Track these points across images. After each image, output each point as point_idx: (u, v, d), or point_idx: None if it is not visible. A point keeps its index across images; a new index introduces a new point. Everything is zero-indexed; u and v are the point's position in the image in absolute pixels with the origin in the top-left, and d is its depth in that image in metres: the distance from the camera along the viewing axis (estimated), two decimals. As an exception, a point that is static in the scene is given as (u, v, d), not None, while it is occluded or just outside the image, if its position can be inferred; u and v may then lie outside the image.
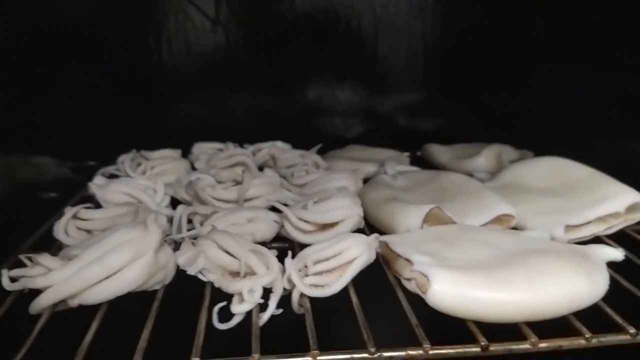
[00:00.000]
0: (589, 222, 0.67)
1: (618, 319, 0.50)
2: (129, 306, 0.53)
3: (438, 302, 0.49)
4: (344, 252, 0.57)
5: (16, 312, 0.53)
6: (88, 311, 0.52)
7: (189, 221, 0.67)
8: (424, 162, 1.03)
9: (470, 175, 0.90)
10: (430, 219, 0.66)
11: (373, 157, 0.99)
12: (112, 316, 0.53)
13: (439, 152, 1.00)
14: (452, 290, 0.49)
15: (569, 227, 0.66)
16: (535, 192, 0.74)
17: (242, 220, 0.65)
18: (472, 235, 0.61)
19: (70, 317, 0.52)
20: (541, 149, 0.99)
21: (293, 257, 0.57)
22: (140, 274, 0.51)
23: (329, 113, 1.20)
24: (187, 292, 0.56)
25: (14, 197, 0.77)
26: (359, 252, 0.57)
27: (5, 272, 0.54)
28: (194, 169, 0.91)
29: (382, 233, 0.69)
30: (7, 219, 0.73)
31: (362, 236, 0.59)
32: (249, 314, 0.52)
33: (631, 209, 0.68)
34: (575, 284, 0.50)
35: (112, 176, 0.91)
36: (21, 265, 0.55)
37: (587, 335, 0.48)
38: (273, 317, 0.52)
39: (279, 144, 1.01)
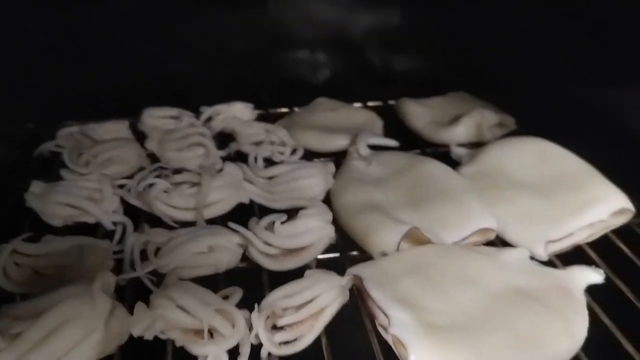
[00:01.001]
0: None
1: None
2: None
3: (417, 374, 0.46)
4: (317, 299, 0.53)
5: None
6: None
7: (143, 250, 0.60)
8: (398, 122, 0.95)
9: (447, 146, 0.85)
10: (407, 236, 0.61)
11: (344, 122, 0.90)
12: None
13: (415, 114, 0.92)
14: (431, 363, 0.46)
15: (550, 241, 0.62)
16: (518, 187, 0.70)
17: (203, 249, 0.59)
18: (453, 265, 0.57)
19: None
20: (520, 101, 0.93)
21: (253, 303, 0.53)
22: (90, 354, 0.46)
23: (295, 44, 1.08)
24: (146, 352, 0.52)
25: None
26: (332, 298, 0.53)
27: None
28: (143, 147, 0.81)
29: (355, 242, 0.65)
30: None
31: (335, 278, 0.55)
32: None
33: (615, 213, 0.65)
34: (559, 345, 0.48)
35: (52, 159, 0.82)
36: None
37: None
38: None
39: (239, 107, 0.91)
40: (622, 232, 0.67)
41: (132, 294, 0.57)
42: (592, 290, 0.57)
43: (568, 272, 0.57)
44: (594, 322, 0.54)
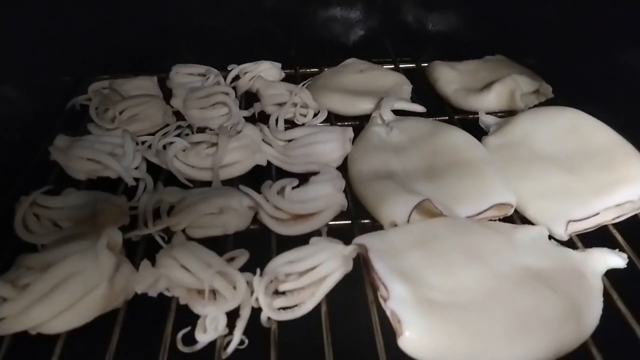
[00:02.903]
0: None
1: (602, 365, 0.47)
2: (93, 324, 0.51)
3: (410, 350, 0.46)
4: (319, 267, 0.53)
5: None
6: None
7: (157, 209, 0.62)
8: (429, 87, 0.92)
9: (476, 113, 0.81)
10: (419, 207, 0.60)
11: (371, 85, 0.88)
12: (75, 337, 0.51)
13: (445, 78, 0.89)
14: (424, 340, 0.45)
15: (572, 221, 0.59)
16: (544, 161, 0.66)
17: (214, 210, 0.60)
18: (462, 241, 0.55)
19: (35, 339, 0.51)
20: (560, 68, 0.88)
21: (259, 265, 0.53)
22: (94, 308, 0.49)
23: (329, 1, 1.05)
24: (151, 307, 0.53)
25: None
26: (335, 267, 0.53)
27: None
28: (168, 104, 0.82)
29: (366, 209, 0.64)
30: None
31: (339, 247, 0.54)
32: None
33: (647, 194, 0.61)
34: (563, 333, 0.47)
35: (82, 113, 0.84)
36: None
37: (564, 389, 0.46)
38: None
39: (266, 66, 0.90)
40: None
41: (145, 250, 0.59)
42: (612, 275, 0.55)
43: (586, 254, 0.55)
44: (610, 310, 0.51)
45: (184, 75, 0.89)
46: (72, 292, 0.47)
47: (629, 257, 0.55)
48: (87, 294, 0.48)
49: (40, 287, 0.47)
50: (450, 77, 0.89)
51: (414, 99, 0.85)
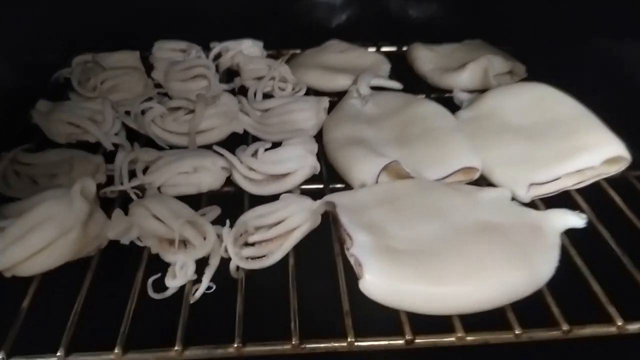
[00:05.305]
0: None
1: (555, 311, 0.49)
2: (66, 270, 0.53)
3: (370, 292, 0.48)
4: (287, 220, 0.55)
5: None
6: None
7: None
8: (408, 68, 0.94)
9: (451, 91, 0.83)
10: (388, 170, 0.62)
11: (351, 63, 0.90)
12: (48, 281, 0.52)
13: (423, 59, 0.91)
14: (383, 282, 0.47)
15: (534, 184, 0.62)
16: (510, 131, 0.69)
17: (188, 169, 0.61)
18: (425, 199, 0.57)
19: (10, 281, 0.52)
20: (538, 52, 0.91)
21: (232, 224, 0.55)
22: (67, 251, 0.50)
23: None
24: (124, 256, 0.55)
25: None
26: (302, 220, 0.55)
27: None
28: (150, 77, 0.84)
29: (340, 176, 0.66)
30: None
31: (308, 202, 0.56)
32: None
33: (609, 160, 0.63)
34: (514, 278, 0.48)
35: (65, 85, 0.85)
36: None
37: (516, 331, 0.48)
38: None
39: (248, 44, 0.92)
40: (616, 182, 0.66)
41: (121, 207, 0.61)
42: (572, 235, 0.57)
43: (545, 213, 0.57)
44: (568, 265, 0.54)
45: (167, 50, 0.91)
46: (45, 234, 0.49)
47: (589, 219, 0.57)
48: (61, 237, 0.49)
49: (15, 230, 0.49)
50: (428, 57, 0.91)
51: (392, 79, 0.87)
